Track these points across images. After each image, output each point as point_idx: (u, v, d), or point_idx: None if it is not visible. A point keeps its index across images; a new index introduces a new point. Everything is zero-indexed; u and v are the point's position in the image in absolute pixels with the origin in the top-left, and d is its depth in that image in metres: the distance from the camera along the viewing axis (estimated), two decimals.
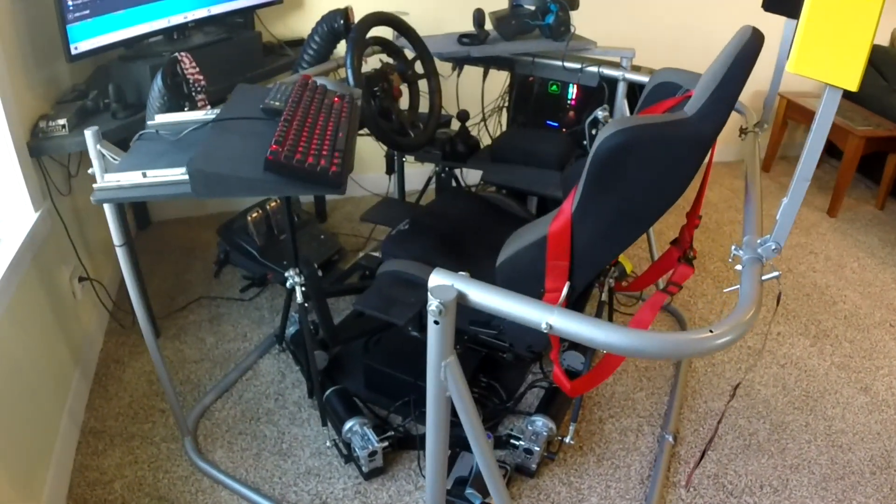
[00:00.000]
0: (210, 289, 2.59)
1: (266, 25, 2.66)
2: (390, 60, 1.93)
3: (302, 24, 2.78)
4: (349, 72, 1.61)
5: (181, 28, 2.16)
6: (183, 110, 1.65)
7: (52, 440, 1.77)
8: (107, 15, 1.91)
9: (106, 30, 1.92)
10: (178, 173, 1.21)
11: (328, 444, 1.89)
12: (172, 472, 1.83)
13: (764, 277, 1.02)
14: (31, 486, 1.58)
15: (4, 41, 1.73)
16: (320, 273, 1.83)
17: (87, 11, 1.85)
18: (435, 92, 1.93)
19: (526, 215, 1.97)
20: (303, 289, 1.79)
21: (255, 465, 1.85)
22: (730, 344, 0.89)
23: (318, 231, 2.40)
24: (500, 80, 2.49)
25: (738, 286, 1.03)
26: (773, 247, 1.07)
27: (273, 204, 2.33)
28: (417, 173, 3.19)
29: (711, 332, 0.87)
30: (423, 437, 1.87)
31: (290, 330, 2.21)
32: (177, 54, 1.63)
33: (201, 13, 2.19)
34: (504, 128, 2.53)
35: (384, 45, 1.86)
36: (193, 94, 1.65)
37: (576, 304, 1.76)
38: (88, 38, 1.87)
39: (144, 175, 1.28)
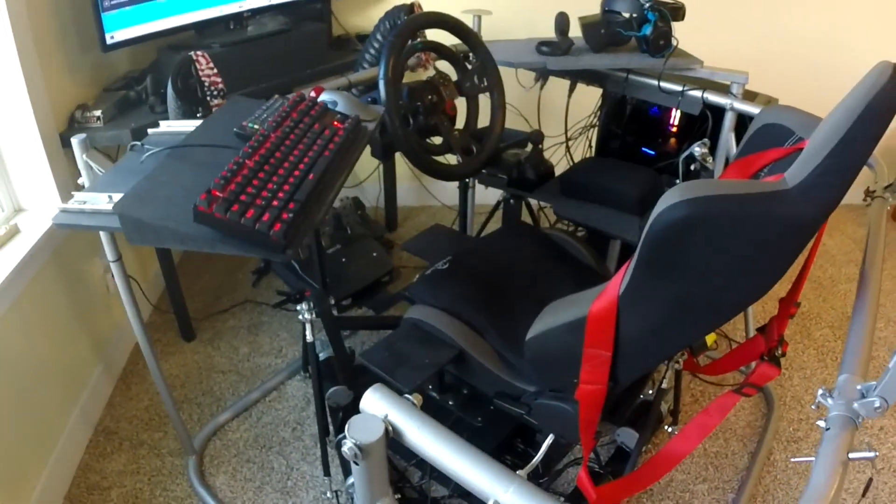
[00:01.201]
0: (257, 292, 2.45)
1: (341, 15, 2.45)
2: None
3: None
4: (380, 84, 1.37)
5: (237, 17, 1.99)
6: (196, 117, 1.48)
7: (55, 437, 1.70)
8: (148, 3, 1.77)
9: (146, 18, 1.78)
10: None
11: (328, 494, 1.69)
12: (170, 491, 1.71)
13: (853, 456, 0.69)
14: (17, 482, 1.51)
15: (37, 23, 1.62)
16: (333, 307, 1.62)
17: None
18: (498, 109, 1.65)
19: (594, 265, 1.66)
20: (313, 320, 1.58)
21: (255, 499, 1.69)
22: None
23: (371, 247, 2.18)
24: (591, 95, 2.16)
25: (812, 458, 0.71)
26: (878, 405, 0.73)
27: None
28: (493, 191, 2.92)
29: None
30: (437, 501, 1.63)
31: (321, 355, 2.02)
32: (192, 53, 1.45)
33: (260, 1, 2.01)
34: (593, 152, 2.20)
35: (437, 50, 1.60)
36: (208, 98, 1.47)
37: (628, 390, 1.44)
38: (126, 27, 1.73)
39: (110, 199, 1.10)
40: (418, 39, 1.62)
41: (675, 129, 2.06)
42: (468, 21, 2.13)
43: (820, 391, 0.79)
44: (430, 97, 1.53)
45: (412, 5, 1.86)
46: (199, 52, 1.47)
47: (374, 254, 2.18)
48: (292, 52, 2.09)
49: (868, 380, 0.77)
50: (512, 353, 1.39)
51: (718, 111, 1.80)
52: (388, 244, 2.62)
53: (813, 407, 1.73)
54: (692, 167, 1.71)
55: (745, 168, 1.28)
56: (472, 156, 1.59)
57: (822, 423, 0.76)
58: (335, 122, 1.09)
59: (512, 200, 1.91)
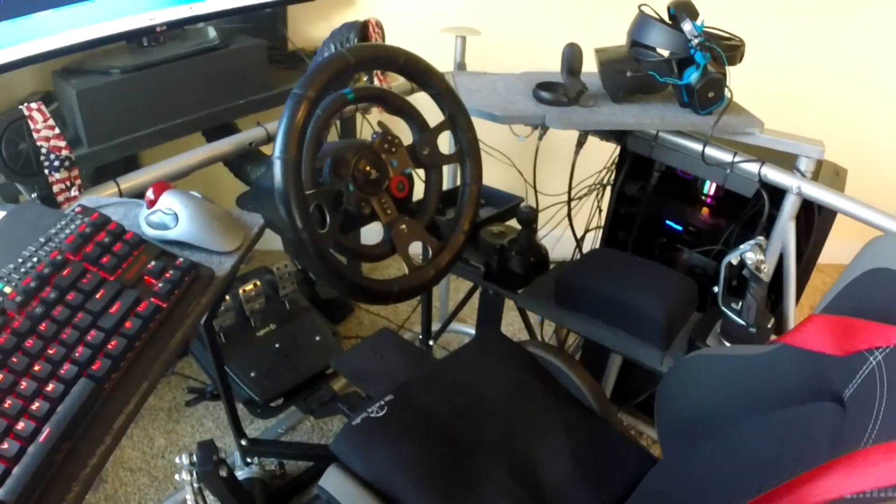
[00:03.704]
0: (188, 362, 2.00)
1: (296, 26, 1.95)
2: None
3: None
4: (275, 165, 0.89)
5: (148, 32, 1.51)
6: (31, 196, 1.02)
7: None
8: (20, 17, 1.29)
9: (18, 39, 1.30)
10: None
11: None
12: None
13: None
14: None
15: None
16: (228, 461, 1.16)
17: None
18: (470, 185, 1.17)
19: (594, 405, 1.19)
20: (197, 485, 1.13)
21: None
22: None
23: (314, 327, 1.71)
24: (601, 145, 1.66)
25: None
26: None
27: (250, 287, 1.65)
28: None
29: None
30: None
31: (241, 474, 1.57)
32: (22, 107, 0.99)
33: (179, 12, 1.53)
34: (602, 218, 1.72)
35: (383, 100, 1.12)
36: (46, 170, 1.00)
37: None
38: None
39: None
40: (352, 85, 1.14)
41: (708, 199, 1.58)
42: (449, 44, 1.65)
43: None
44: (367, 170, 1.04)
45: (365, 24, 1.38)
46: (32, 105, 1.00)
47: (318, 337, 1.71)
48: (222, 75, 1.62)
49: None
50: None
51: (777, 191, 1.31)
52: (345, 309, 2.14)
53: None
54: (742, 270, 1.22)
55: (840, 335, 0.82)
56: (427, 260, 1.11)
57: None
58: (146, 277, 0.62)
59: (490, 292, 1.43)
